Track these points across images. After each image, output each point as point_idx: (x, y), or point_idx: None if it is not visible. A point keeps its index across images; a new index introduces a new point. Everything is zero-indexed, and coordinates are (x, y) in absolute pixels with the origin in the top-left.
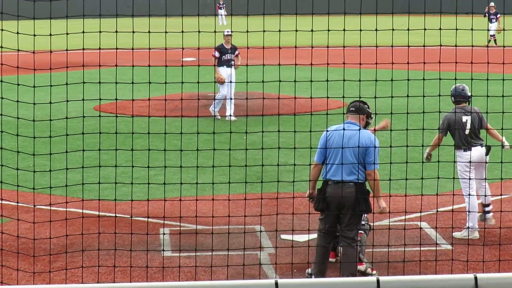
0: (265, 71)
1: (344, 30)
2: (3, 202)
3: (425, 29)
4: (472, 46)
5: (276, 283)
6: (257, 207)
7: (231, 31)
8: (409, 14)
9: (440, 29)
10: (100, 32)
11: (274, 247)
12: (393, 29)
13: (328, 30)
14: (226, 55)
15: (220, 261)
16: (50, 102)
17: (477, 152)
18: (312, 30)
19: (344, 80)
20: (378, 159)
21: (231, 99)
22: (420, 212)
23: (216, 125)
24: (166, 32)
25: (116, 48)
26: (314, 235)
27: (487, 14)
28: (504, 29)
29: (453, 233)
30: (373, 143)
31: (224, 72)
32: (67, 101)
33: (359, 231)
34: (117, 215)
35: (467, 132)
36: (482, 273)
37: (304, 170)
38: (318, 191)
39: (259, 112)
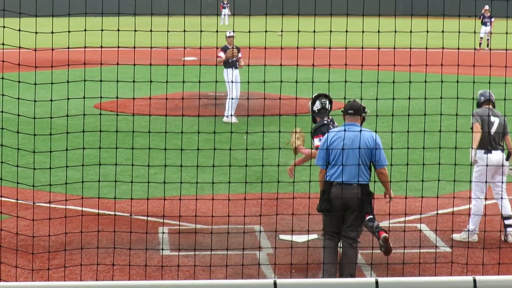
0: (265, 72)
1: (346, 31)
2: (3, 199)
3: (427, 32)
4: (475, 49)
5: (275, 283)
6: (257, 207)
7: (233, 32)
8: (411, 16)
9: (443, 31)
10: (101, 30)
11: (273, 247)
12: (395, 31)
13: (331, 31)
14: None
15: (219, 261)
16: (51, 100)
17: (498, 156)
18: (314, 31)
19: (345, 82)
20: (385, 156)
21: (232, 99)
22: (420, 214)
23: (216, 124)
24: (167, 31)
25: (118, 47)
26: (313, 236)
27: (481, 17)
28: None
29: (453, 235)
30: (377, 143)
31: (232, 73)
32: (68, 98)
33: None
34: (116, 213)
35: (493, 131)
36: (481, 276)
37: (304, 170)
38: (322, 192)
39: (259, 112)
